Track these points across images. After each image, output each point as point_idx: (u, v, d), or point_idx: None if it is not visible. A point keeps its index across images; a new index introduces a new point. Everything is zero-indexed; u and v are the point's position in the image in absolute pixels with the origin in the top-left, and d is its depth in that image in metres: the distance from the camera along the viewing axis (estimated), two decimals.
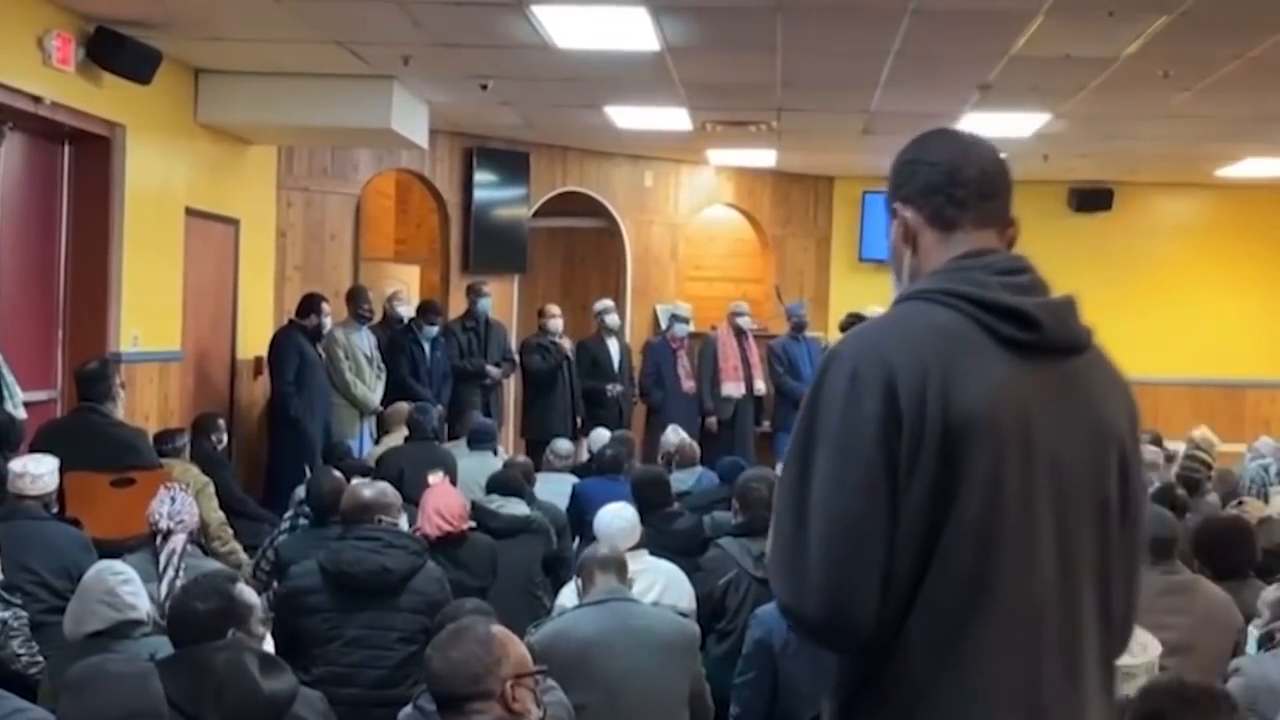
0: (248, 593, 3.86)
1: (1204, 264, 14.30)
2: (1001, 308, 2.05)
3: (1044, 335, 2.07)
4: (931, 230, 2.16)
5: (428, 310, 10.73)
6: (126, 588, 4.28)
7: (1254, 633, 4.49)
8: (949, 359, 1.99)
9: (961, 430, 1.96)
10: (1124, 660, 3.74)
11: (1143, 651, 3.73)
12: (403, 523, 5.63)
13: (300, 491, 6.63)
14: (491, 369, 10.89)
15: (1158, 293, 14.23)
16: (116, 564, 4.47)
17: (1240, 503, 7.45)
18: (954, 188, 2.15)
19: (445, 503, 5.91)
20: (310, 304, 9.62)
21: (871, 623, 1.97)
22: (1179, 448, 10.20)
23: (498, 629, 3.32)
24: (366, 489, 5.60)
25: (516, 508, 6.61)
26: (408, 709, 3.73)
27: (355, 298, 10.16)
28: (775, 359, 12.42)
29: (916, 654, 1.98)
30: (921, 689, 1.99)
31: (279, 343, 9.53)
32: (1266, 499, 8.20)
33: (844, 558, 1.96)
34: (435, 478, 6.32)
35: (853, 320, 12.36)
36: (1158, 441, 10.58)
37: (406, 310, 10.92)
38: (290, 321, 9.71)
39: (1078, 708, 2.04)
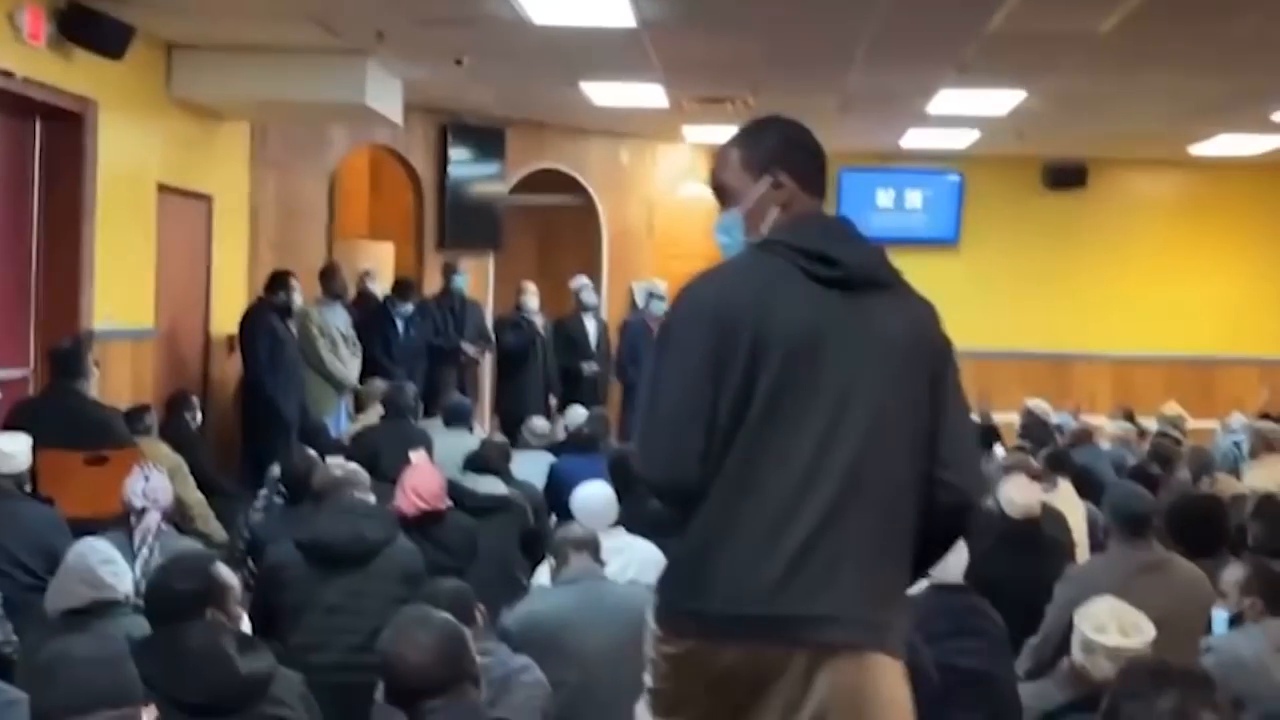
0: (225, 572, 3.85)
1: (1177, 241, 14.36)
2: (811, 252, 2.73)
3: (845, 271, 2.72)
4: (802, 195, 2.85)
5: (402, 288, 10.70)
6: (106, 568, 4.26)
7: (1218, 614, 4.49)
8: (765, 289, 2.70)
9: (767, 338, 2.67)
10: (1119, 642, 3.76)
11: (1137, 633, 3.74)
12: (370, 501, 5.65)
13: (275, 469, 6.62)
14: (467, 347, 10.87)
15: (1131, 270, 14.29)
16: (100, 543, 4.44)
17: (1213, 479, 7.49)
18: (817, 170, 2.89)
19: (423, 481, 5.88)
20: (278, 281, 9.56)
21: (695, 481, 2.67)
22: (1151, 424, 10.27)
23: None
24: (338, 468, 5.64)
25: (493, 486, 6.60)
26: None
27: (329, 275, 10.11)
28: None
29: (719, 498, 2.67)
30: (719, 521, 2.67)
31: (250, 322, 9.48)
32: (1239, 475, 8.24)
33: (679, 433, 2.68)
34: (418, 456, 6.31)
35: None
36: (1130, 417, 10.65)
37: (379, 288, 10.88)
38: (260, 299, 9.68)
39: (869, 554, 2.66)
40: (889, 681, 2.68)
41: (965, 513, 2.85)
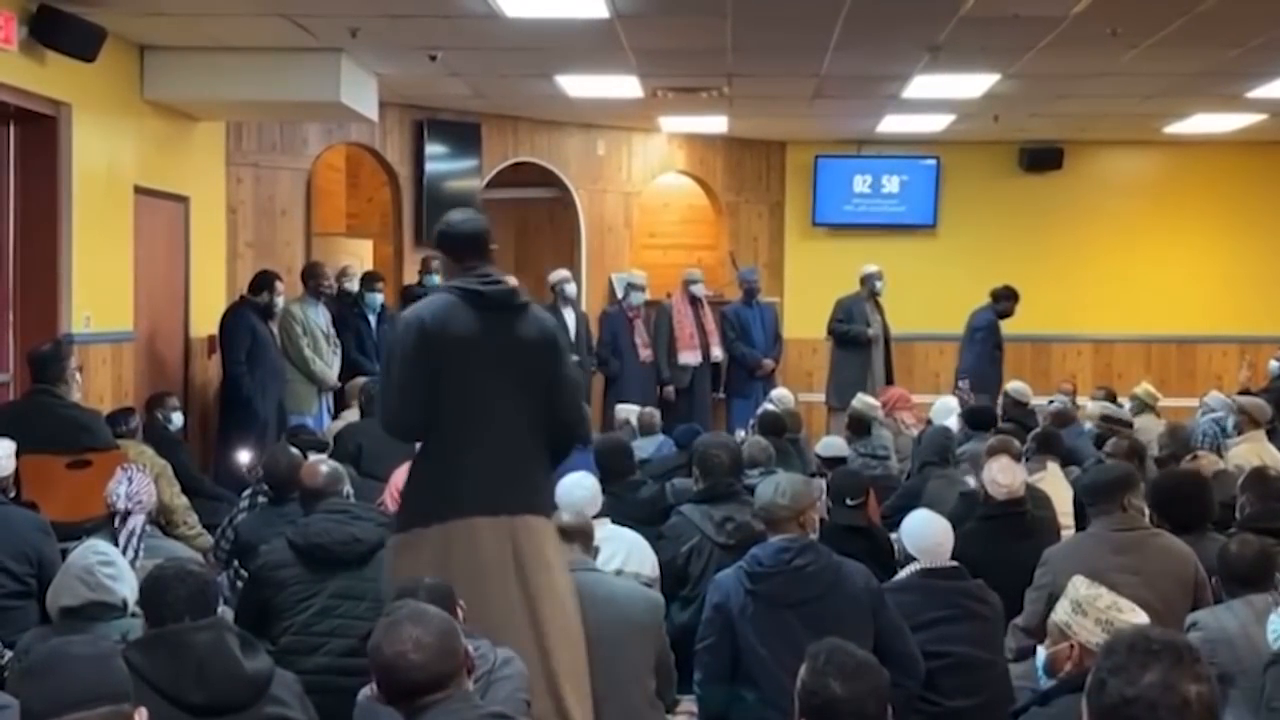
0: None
1: (1154, 221, 14.38)
2: (469, 291, 4.48)
3: (490, 301, 4.49)
4: (454, 265, 4.63)
5: (370, 279, 10.67)
6: (105, 570, 4.25)
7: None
8: (447, 315, 4.44)
9: (449, 345, 4.40)
10: (1111, 601, 3.72)
11: (1130, 611, 3.73)
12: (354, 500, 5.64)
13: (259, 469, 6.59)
14: None
15: (1109, 250, 14.30)
16: (103, 545, 4.43)
17: (1194, 457, 7.50)
18: (461, 248, 4.63)
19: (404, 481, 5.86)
20: (263, 281, 9.55)
21: (416, 425, 4.50)
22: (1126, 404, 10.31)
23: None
24: (323, 465, 5.61)
25: None
26: (367, 689, 3.69)
27: (313, 274, 10.07)
28: (728, 325, 12.45)
29: (437, 439, 4.48)
30: (440, 453, 4.50)
31: (230, 321, 9.46)
32: (1220, 453, 8.26)
33: (403, 403, 4.44)
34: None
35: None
36: (1111, 397, 10.67)
37: (356, 285, 10.85)
38: (242, 298, 9.64)
39: (522, 463, 4.55)
40: (548, 535, 4.54)
41: (573, 434, 4.77)
